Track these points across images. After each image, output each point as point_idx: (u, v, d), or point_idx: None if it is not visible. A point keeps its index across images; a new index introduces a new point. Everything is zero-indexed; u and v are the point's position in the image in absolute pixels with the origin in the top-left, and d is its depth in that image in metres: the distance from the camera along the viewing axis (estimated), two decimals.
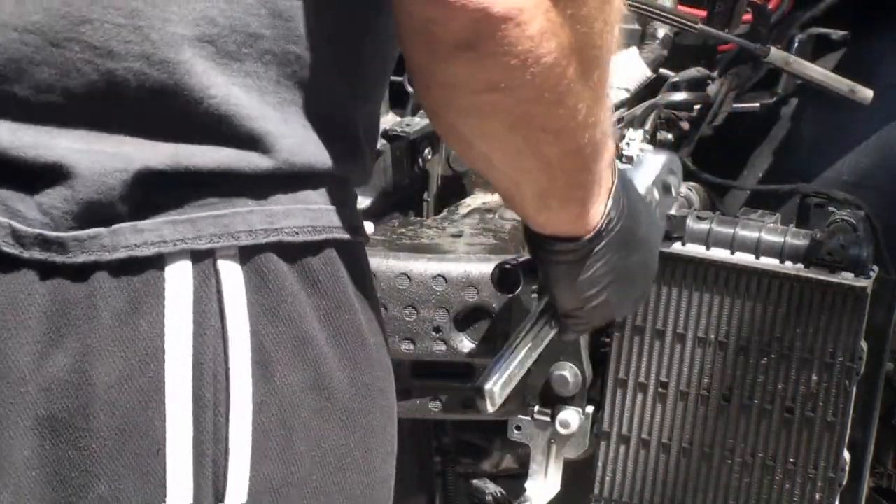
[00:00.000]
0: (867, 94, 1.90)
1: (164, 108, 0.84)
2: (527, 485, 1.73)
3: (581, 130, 1.00)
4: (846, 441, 1.64)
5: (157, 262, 0.84)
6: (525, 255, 1.32)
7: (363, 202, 1.61)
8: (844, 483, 1.66)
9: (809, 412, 1.63)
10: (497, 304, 1.35)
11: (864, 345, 1.62)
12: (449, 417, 1.53)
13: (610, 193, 1.14)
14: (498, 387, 1.24)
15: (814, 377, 1.62)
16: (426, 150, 1.72)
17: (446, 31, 0.88)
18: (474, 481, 1.90)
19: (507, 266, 1.28)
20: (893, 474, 1.90)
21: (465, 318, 1.37)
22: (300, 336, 0.89)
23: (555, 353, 1.69)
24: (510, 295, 1.34)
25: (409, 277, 1.34)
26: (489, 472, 1.92)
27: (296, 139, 0.89)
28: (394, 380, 1.01)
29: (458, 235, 1.48)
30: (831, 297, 1.61)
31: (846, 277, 1.60)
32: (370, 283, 0.98)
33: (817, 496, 1.64)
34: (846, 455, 1.65)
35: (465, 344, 1.36)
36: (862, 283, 1.60)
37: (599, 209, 1.13)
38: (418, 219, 1.65)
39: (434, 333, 1.34)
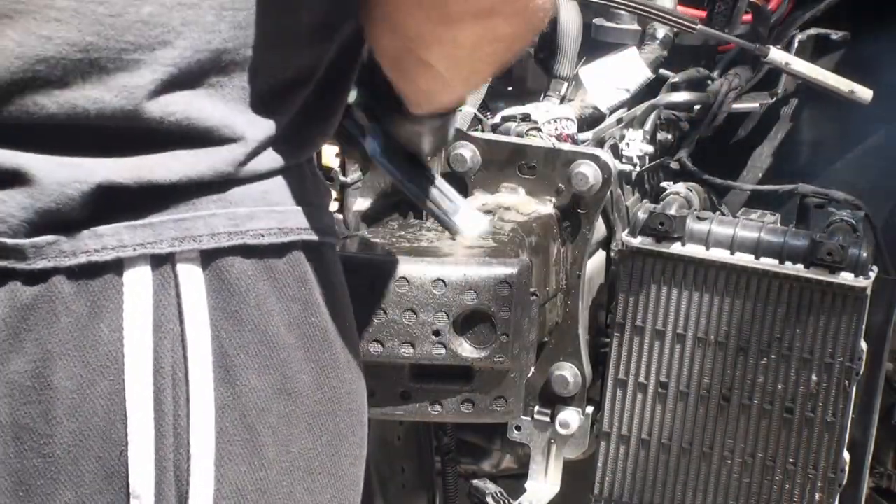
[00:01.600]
0: (867, 94, 1.90)
1: (124, 128, 0.85)
2: (527, 485, 1.74)
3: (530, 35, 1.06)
4: (846, 441, 1.64)
5: (116, 267, 0.85)
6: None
7: (363, 204, 1.61)
8: (844, 483, 1.66)
9: (809, 412, 1.63)
10: (496, 308, 1.35)
11: (863, 345, 1.62)
12: (448, 420, 1.53)
13: None
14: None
15: (814, 377, 1.62)
16: None
17: (468, 3, 0.92)
18: (474, 481, 1.90)
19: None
20: (893, 474, 1.90)
21: (465, 322, 1.36)
22: (265, 340, 0.90)
23: (555, 354, 1.70)
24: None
25: (408, 281, 1.34)
26: (489, 472, 1.92)
27: (263, 142, 0.90)
28: (364, 383, 1.01)
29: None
30: (831, 298, 1.61)
31: (846, 278, 1.60)
32: (339, 284, 0.98)
33: (817, 496, 1.64)
34: (846, 455, 1.65)
35: (465, 347, 1.36)
36: (862, 283, 1.60)
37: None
38: (417, 221, 1.64)
39: (433, 337, 1.34)
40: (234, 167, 0.88)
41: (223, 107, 0.88)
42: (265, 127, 0.90)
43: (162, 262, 0.86)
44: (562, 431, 1.71)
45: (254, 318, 0.89)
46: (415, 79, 1.06)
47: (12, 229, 0.83)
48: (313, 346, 0.93)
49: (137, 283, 0.85)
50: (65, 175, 0.83)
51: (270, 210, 0.90)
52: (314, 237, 0.93)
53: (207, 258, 0.87)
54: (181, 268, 0.86)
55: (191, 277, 0.87)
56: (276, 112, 0.91)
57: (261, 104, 0.90)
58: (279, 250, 0.91)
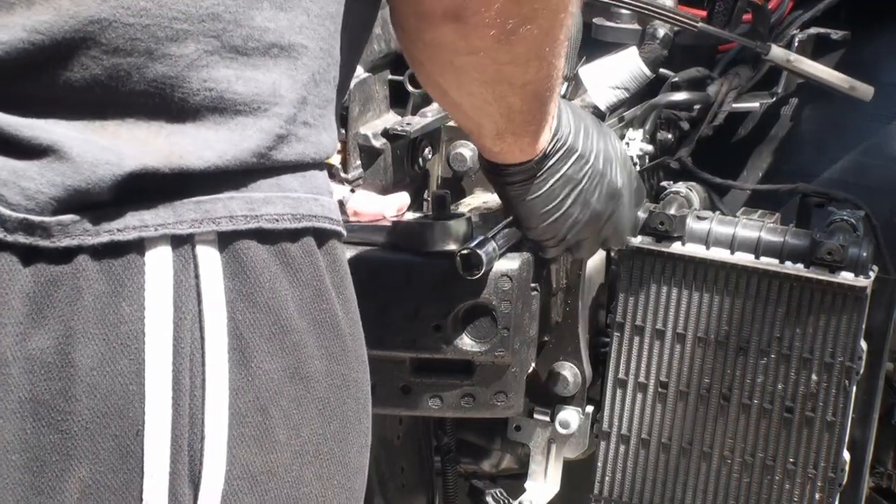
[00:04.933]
0: (868, 90, 1.90)
1: (161, 97, 0.85)
2: (527, 485, 1.74)
3: (543, 81, 1.15)
4: (846, 441, 1.64)
5: (138, 247, 0.85)
6: (480, 238, 1.38)
7: None
8: (844, 483, 1.66)
9: (809, 412, 1.63)
10: (497, 302, 1.35)
11: (863, 345, 1.62)
12: (449, 415, 1.54)
13: (556, 117, 1.29)
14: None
15: (814, 377, 1.62)
16: (426, 150, 1.72)
17: (437, 3, 1.00)
18: (474, 481, 1.90)
19: (466, 251, 1.34)
20: (893, 474, 1.90)
21: (466, 316, 1.37)
22: (279, 323, 0.90)
23: (555, 353, 1.70)
24: (477, 276, 1.35)
25: (410, 274, 1.35)
26: (489, 472, 1.92)
27: (297, 134, 0.91)
28: (369, 374, 1.02)
29: None
30: (831, 297, 1.61)
31: (846, 277, 1.60)
32: (346, 273, 0.98)
33: (817, 496, 1.64)
34: (846, 455, 1.65)
35: (466, 342, 1.36)
36: (862, 282, 1.60)
37: (547, 134, 1.30)
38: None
39: (434, 332, 1.35)
40: (257, 157, 0.89)
41: (261, 87, 0.88)
42: (305, 121, 0.91)
43: (182, 242, 0.86)
44: (562, 431, 1.71)
45: (268, 301, 0.89)
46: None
47: (39, 206, 0.83)
48: (324, 333, 0.93)
49: (158, 264, 0.85)
50: (98, 156, 0.83)
51: (284, 196, 0.90)
52: (324, 225, 0.94)
53: (224, 241, 0.88)
54: (200, 249, 0.87)
55: (209, 259, 0.87)
56: (310, 106, 0.92)
57: (300, 95, 0.91)
58: (292, 235, 0.91)
